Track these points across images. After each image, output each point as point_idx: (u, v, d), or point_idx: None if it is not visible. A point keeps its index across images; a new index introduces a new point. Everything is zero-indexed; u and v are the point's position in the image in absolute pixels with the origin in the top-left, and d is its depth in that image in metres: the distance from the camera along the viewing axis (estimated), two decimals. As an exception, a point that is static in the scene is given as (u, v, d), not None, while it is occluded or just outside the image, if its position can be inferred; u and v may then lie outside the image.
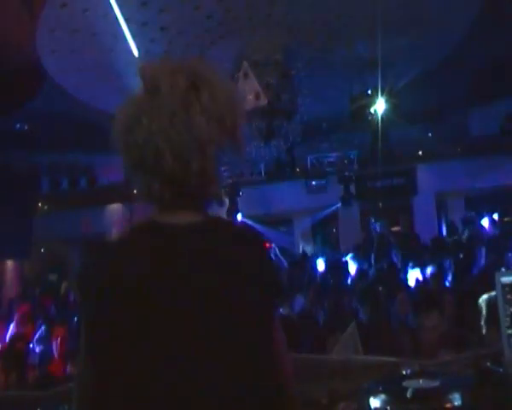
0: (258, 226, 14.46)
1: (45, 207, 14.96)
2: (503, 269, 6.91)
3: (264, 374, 1.25)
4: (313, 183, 13.91)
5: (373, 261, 9.26)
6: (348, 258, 9.50)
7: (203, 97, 1.28)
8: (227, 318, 1.21)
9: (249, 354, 1.23)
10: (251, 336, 1.24)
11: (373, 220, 11.76)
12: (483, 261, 7.39)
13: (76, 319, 7.19)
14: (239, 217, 14.01)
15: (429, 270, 7.16)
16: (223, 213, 14.01)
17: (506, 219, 12.17)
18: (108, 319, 1.21)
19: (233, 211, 13.91)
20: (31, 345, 6.57)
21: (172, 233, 1.26)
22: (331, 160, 13.84)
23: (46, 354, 6.28)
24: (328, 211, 14.66)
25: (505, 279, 2.28)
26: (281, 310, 5.97)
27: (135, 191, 1.39)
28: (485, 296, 3.26)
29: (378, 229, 11.15)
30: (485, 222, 10.26)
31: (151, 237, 1.26)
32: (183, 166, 1.24)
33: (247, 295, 1.24)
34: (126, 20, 8.04)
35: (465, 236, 9.97)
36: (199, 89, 1.29)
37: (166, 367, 1.17)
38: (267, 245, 1.41)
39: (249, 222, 14.41)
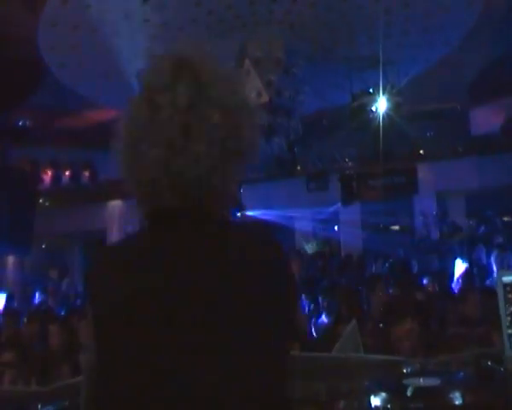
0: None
1: (46, 204, 14.96)
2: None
3: (275, 391, 1.18)
4: (313, 185, 13.82)
5: None
6: None
7: (205, 116, 1.17)
8: (235, 329, 1.15)
9: (258, 369, 1.15)
10: (262, 350, 1.16)
11: None
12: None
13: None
14: (238, 215, 14.01)
15: None
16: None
17: (506, 218, 12.18)
18: (112, 330, 1.18)
19: (233, 208, 13.91)
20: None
21: (179, 238, 1.20)
22: (332, 158, 13.84)
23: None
24: (329, 211, 14.69)
25: (506, 279, 2.28)
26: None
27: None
28: None
29: None
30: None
31: (157, 243, 1.21)
32: (183, 199, 1.17)
33: (258, 305, 1.17)
34: (127, 16, 8.04)
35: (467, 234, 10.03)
36: (200, 104, 1.17)
37: (167, 381, 1.13)
38: (278, 244, 1.37)
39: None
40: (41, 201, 14.58)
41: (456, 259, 8.24)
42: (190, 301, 1.14)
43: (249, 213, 14.28)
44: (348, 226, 14.24)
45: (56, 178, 13.61)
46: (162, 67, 1.22)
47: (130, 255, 1.22)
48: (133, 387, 1.14)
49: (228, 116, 1.18)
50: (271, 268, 1.22)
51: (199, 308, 1.14)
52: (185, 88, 1.18)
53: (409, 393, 2.06)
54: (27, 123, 11.43)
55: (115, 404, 1.16)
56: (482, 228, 10.42)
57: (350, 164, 13.77)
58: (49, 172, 13.57)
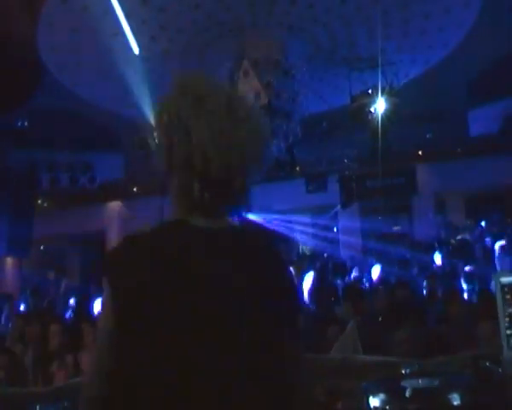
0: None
1: (45, 205, 14.95)
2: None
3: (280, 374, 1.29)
4: (312, 186, 13.80)
5: None
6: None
7: (243, 120, 1.36)
8: (247, 321, 1.27)
9: (266, 357, 1.27)
10: (270, 340, 1.29)
11: None
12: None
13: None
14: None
15: None
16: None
17: (509, 219, 12.19)
18: (131, 310, 1.26)
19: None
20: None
21: (205, 235, 1.32)
22: (331, 159, 13.81)
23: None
24: (328, 216, 14.71)
25: (504, 280, 2.28)
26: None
27: (170, 189, 1.42)
28: None
29: None
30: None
31: (181, 236, 1.33)
32: (230, 176, 1.32)
33: (268, 305, 1.30)
34: (126, 17, 8.04)
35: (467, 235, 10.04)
36: (237, 111, 1.37)
37: (180, 358, 1.21)
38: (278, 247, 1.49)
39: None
40: (39, 202, 14.57)
41: (455, 260, 8.24)
42: (208, 291, 1.25)
43: (248, 214, 14.28)
44: (347, 231, 14.25)
45: (55, 179, 13.58)
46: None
47: (157, 242, 1.33)
48: (153, 356, 1.22)
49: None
50: (278, 262, 1.39)
51: (214, 299, 1.25)
52: (222, 95, 1.39)
53: (407, 394, 2.07)
54: (26, 124, 11.41)
55: (136, 371, 1.23)
56: (480, 229, 10.43)
57: (349, 165, 13.75)
58: (48, 173, 13.54)
